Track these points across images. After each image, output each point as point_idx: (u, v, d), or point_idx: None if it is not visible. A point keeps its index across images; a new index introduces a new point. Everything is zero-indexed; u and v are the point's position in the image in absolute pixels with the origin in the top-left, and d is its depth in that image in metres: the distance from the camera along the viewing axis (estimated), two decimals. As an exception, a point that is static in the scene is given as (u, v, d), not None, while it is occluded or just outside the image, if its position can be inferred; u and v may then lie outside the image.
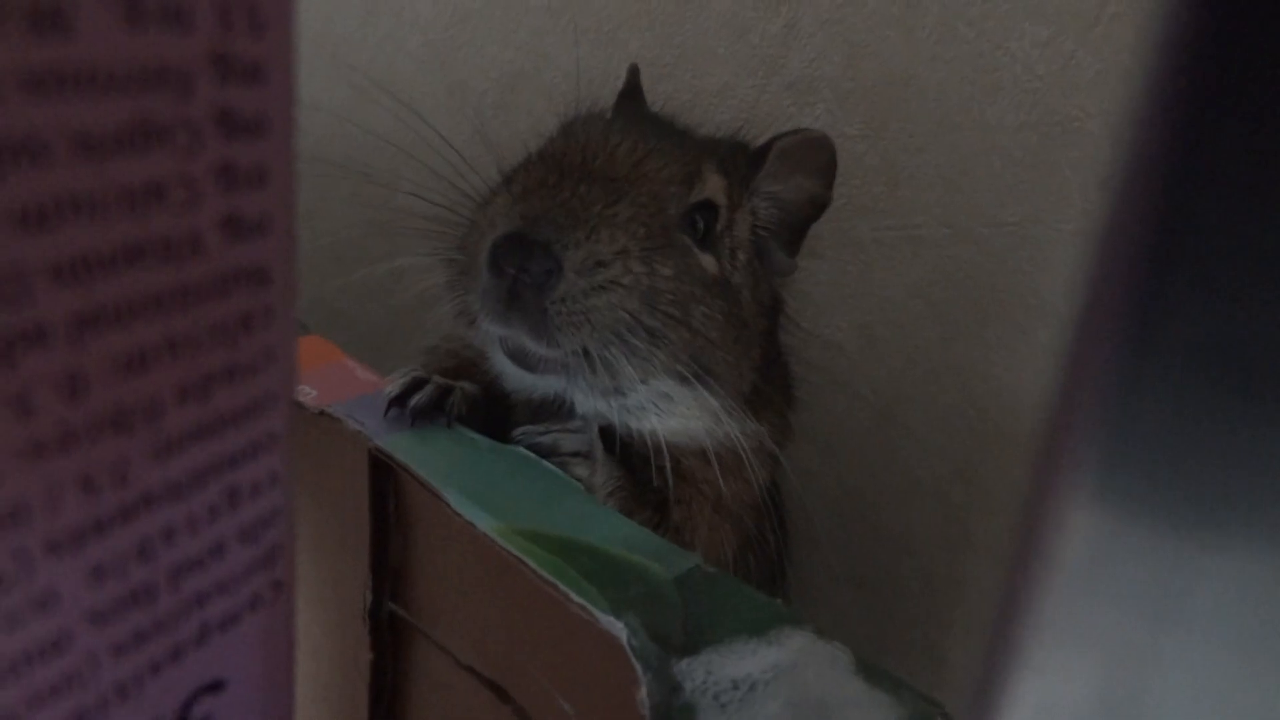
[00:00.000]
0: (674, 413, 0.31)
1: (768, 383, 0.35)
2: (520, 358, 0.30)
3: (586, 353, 0.28)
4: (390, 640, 0.32)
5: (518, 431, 0.31)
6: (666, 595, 0.24)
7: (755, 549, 0.35)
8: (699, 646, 0.22)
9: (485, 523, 0.26)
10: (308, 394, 0.30)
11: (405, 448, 0.28)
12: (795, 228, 0.36)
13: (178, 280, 0.10)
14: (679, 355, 0.30)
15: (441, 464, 0.28)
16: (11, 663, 0.10)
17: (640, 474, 0.32)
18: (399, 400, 0.29)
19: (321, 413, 0.29)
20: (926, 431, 0.47)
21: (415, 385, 0.29)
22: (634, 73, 0.40)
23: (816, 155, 0.34)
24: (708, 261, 0.32)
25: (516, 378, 0.31)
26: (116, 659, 0.11)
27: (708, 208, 0.32)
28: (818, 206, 0.35)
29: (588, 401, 0.30)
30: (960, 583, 0.48)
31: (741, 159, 0.34)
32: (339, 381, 0.31)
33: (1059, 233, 0.41)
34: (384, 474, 0.29)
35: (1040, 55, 0.40)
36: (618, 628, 0.22)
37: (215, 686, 0.13)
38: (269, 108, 0.11)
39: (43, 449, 0.10)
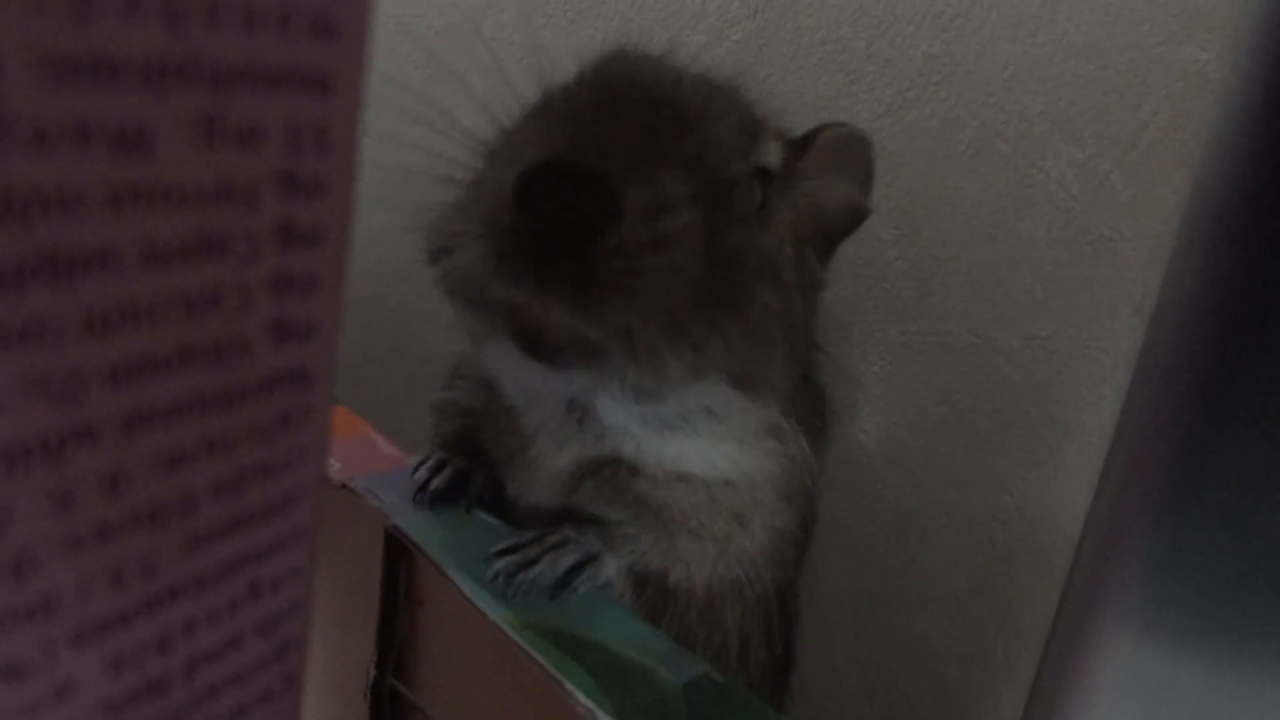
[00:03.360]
0: (711, 432, 0.26)
1: (802, 407, 0.29)
2: (536, 343, 0.23)
3: (629, 333, 0.22)
4: (390, 716, 0.32)
5: (498, 564, 0.26)
6: (672, 705, 0.23)
7: (764, 627, 0.32)
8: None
9: (496, 612, 0.26)
10: (331, 465, 0.31)
11: (421, 528, 0.28)
12: (829, 235, 0.31)
13: (224, 382, 0.11)
14: (737, 351, 0.24)
15: (456, 548, 0.28)
16: (24, 754, 0.10)
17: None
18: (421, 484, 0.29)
19: (343, 485, 0.30)
20: (946, 540, 0.46)
21: (437, 468, 0.29)
22: None
23: (860, 156, 0.30)
24: (765, 242, 0.26)
25: (524, 378, 0.26)
26: (125, 751, 0.11)
27: (765, 178, 0.27)
28: (854, 216, 0.30)
29: (613, 410, 0.25)
30: (974, 697, 0.47)
31: (789, 144, 0.29)
32: (362, 455, 0.32)
33: (1088, 349, 0.41)
34: (397, 550, 0.29)
35: (1076, 175, 0.41)
36: (621, 733, 0.21)
37: (217, 778, 0.13)
38: (327, 221, 0.12)
39: (79, 542, 0.10)
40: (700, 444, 0.27)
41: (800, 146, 0.29)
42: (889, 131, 0.45)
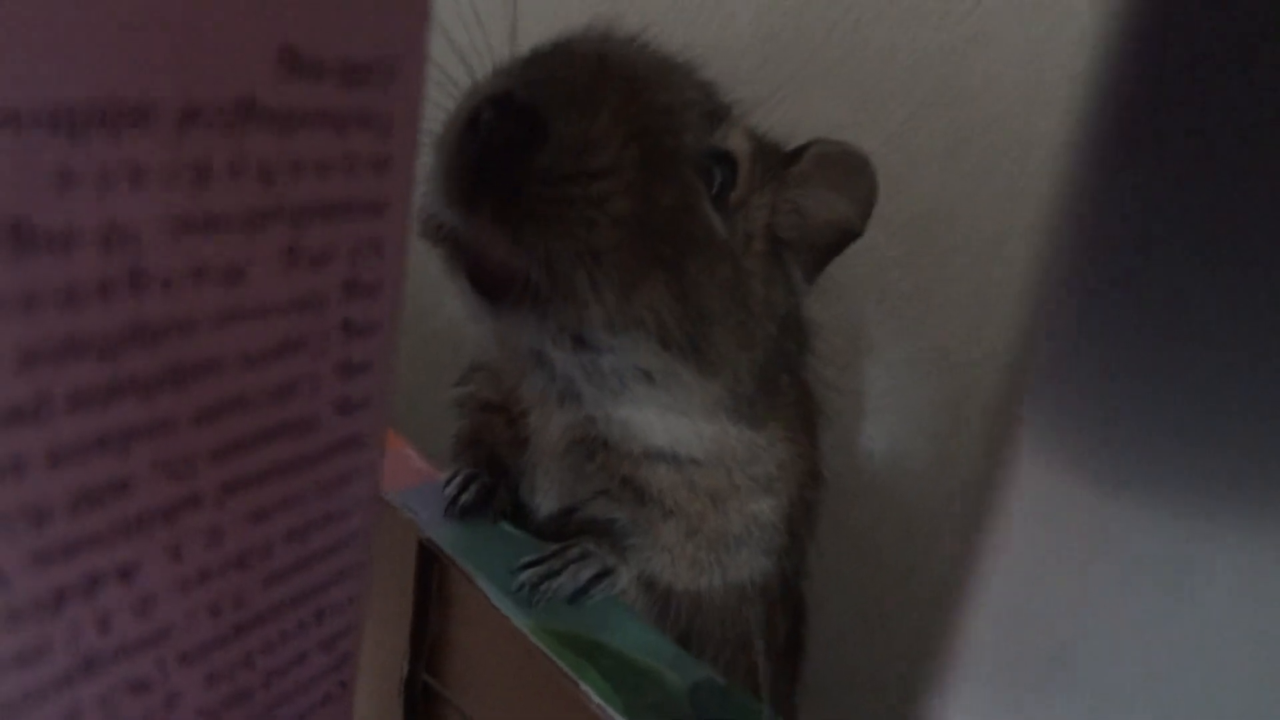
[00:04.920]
0: (655, 400, 0.27)
1: (778, 397, 0.30)
2: (482, 275, 0.25)
3: (552, 265, 0.23)
4: (423, 709, 0.35)
5: (523, 575, 0.28)
6: (679, 704, 0.26)
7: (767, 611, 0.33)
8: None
9: (519, 618, 0.28)
10: (368, 478, 0.33)
11: (452, 539, 0.31)
12: (815, 249, 0.31)
13: (298, 452, 0.13)
14: (664, 304, 0.25)
15: (483, 557, 0.30)
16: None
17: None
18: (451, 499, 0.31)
19: (379, 499, 0.32)
20: (953, 543, 0.48)
21: (465, 484, 0.32)
22: None
23: (857, 176, 0.30)
24: (716, 221, 0.27)
25: (481, 322, 0.27)
26: (218, 749, 0.14)
27: (728, 163, 0.28)
28: (844, 233, 0.31)
29: (560, 360, 0.26)
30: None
31: (772, 150, 0.30)
32: (397, 469, 0.34)
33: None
34: (429, 557, 0.32)
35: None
36: (631, 731, 0.24)
37: (284, 769, 0.16)
38: (381, 313, 0.14)
39: (187, 584, 0.12)
40: (648, 413, 0.28)
41: (794, 155, 0.30)
42: (897, 154, 0.47)
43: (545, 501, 0.32)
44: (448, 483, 0.32)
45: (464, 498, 0.32)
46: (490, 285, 0.25)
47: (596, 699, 0.25)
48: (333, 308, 0.13)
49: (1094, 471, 0.08)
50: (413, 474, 0.34)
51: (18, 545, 0.10)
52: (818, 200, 0.30)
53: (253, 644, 0.14)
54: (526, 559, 0.28)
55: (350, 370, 0.14)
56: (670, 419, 0.28)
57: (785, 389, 0.32)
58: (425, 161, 0.25)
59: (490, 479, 0.33)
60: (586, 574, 0.29)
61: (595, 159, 0.23)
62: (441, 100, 0.26)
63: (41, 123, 0.09)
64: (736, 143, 0.28)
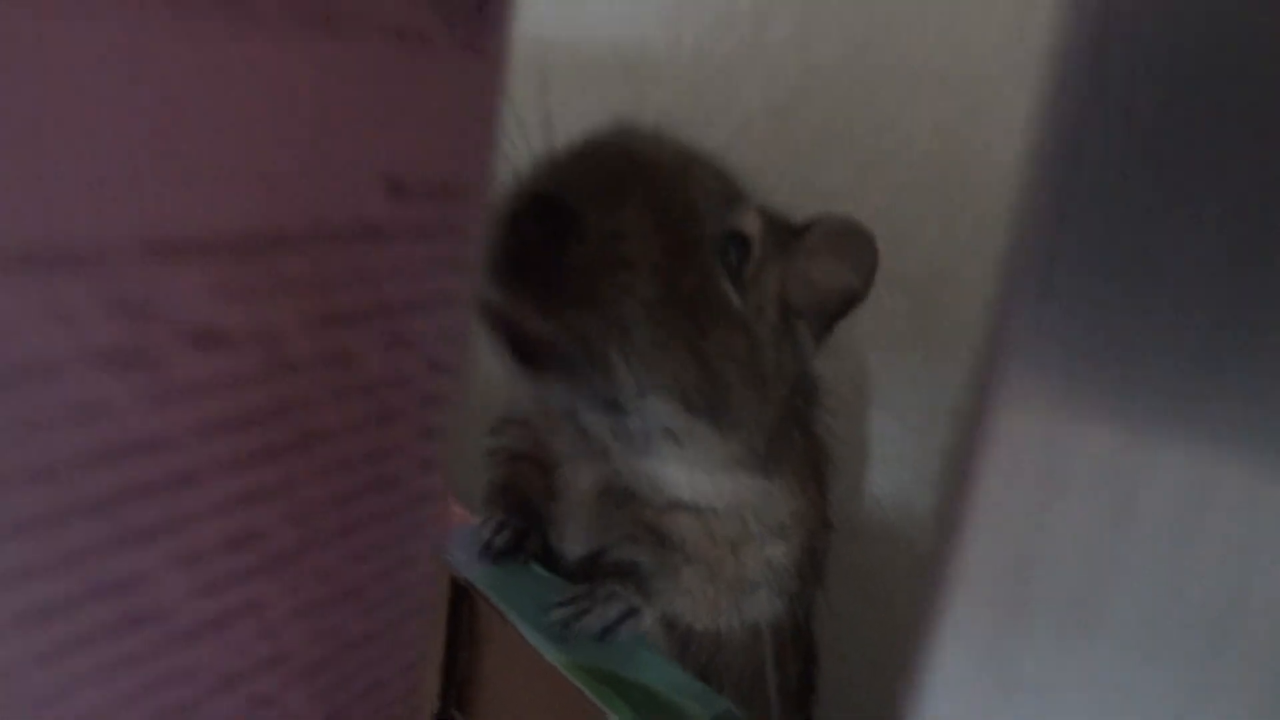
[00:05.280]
0: (678, 456, 0.30)
1: (789, 450, 0.33)
2: (521, 346, 0.28)
3: (588, 337, 0.26)
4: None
5: (555, 614, 0.31)
6: (700, 734, 0.28)
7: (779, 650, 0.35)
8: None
9: (550, 654, 0.30)
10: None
11: (486, 580, 0.33)
12: (823, 314, 0.34)
13: (388, 504, 0.16)
14: (686, 373, 0.27)
15: (516, 597, 0.33)
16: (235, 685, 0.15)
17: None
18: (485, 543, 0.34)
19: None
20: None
21: (498, 528, 0.34)
22: None
23: (860, 249, 0.33)
24: (733, 296, 0.30)
25: (522, 389, 0.30)
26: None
27: (742, 243, 0.31)
28: (849, 299, 0.34)
29: (592, 421, 0.29)
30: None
31: (782, 227, 0.33)
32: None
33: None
34: (460, 595, 0.34)
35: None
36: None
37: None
38: (454, 386, 0.17)
39: (301, 615, 0.15)
40: (670, 468, 0.31)
41: (802, 230, 0.33)
42: (896, 218, 0.50)
43: (574, 546, 0.35)
44: (482, 527, 0.35)
45: (497, 541, 0.34)
46: (529, 354, 0.28)
47: (626, 730, 0.27)
48: (418, 384, 0.16)
49: (1055, 398, 0.10)
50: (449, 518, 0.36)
51: (183, 579, 0.13)
52: (824, 271, 0.33)
53: (349, 668, 0.16)
54: (562, 598, 0.31)
55: (429, 435, 0.16)
56: (691, 473, 0.31)
57: (796, 442, 0.34)
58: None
59: (522, 524, 0.35)
60: (613, 613, 0.31)
61: (623, 249, 0.26)
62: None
63: (220, 248, 0.12)
64: (749, 224, 0.31)
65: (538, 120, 0.30)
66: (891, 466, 0.52)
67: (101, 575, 0.12)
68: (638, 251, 0.26)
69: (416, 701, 0.19)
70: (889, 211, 0.50)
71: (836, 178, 0.51)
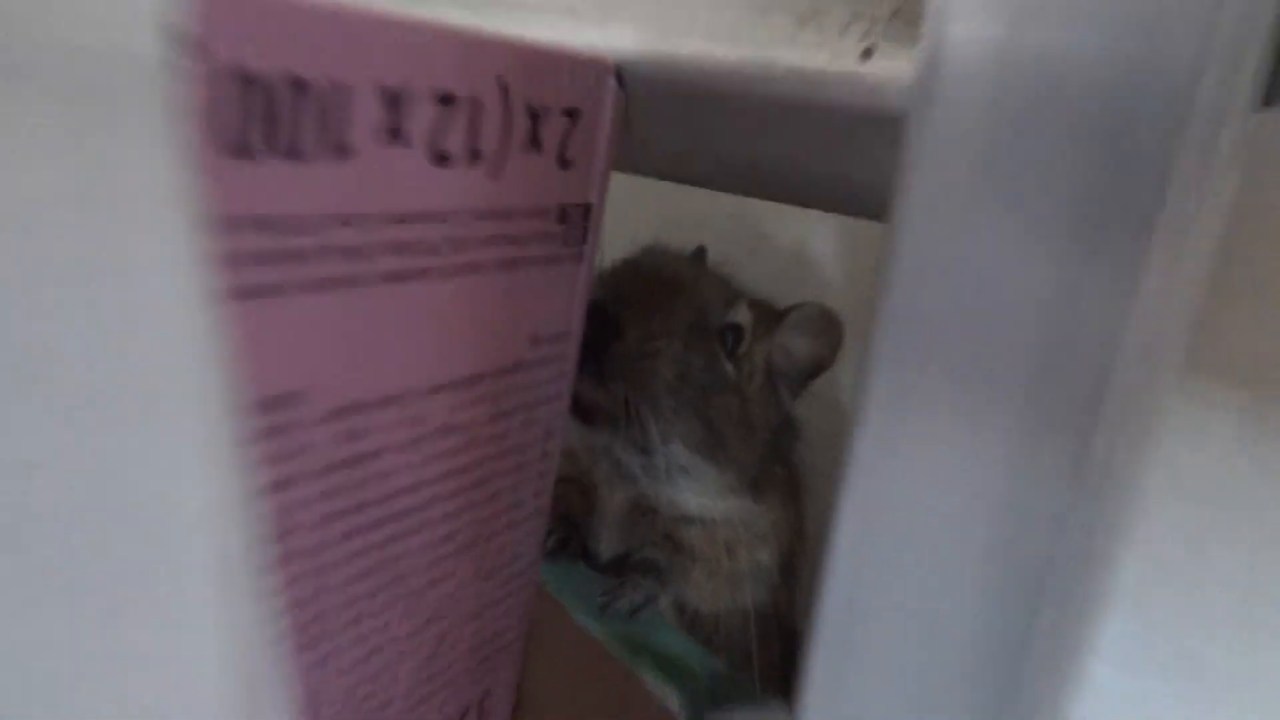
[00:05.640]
0: (688, 484, 0.40)
1: (772, 478, 0.43)
2: (579, 407, 0.38)
3: (627, 403, 0.37)
4: None
5: (601, 598, 0.41)
6: (704, 689, 0.39)
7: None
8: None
9: (593, 629, 0.41)
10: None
11: (541, 574, 0.44)
12: (799, 377, 0.43)
13: (517, 522, 0.27)
14: (695, 428, 0.38)
15: (564, 586, 0.43)
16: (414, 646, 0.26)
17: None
18: (540, 545, 0.44)
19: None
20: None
21: (548, 534, 0.45)
22: (702, 249, 0.50)
23: (828, 328, 0.42)
24: (729, 370, 0.40)
25: (577, 436, 0.40)
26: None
27: (737, 330, 0.41)
28: (820, 367, 0.43)
29: (626, 460, 0.39)
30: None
31: (769, 312, 0.42)
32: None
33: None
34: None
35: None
36: (671, 700, 0.37)
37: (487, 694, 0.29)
38: (558, 446, 0.28)
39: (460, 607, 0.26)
40: (683, 493, 0.41)
41: (784, 313, 0.42)
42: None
43: (607, 548, 0.45)
44: (539, 537, 0.46)
45: (549, 543, 0.45)
46: (584, 412, 0.39)
47: (652, 682, 0.38)
48: (536, 447, 0.27)
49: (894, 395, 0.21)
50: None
51: (423, 559, 0.23)
52: (801, 346, 0.43)
53: (473, 663, 0.27)
54: (605, 589, 0.42)
55: (542, 476, 0.27)
56: (698, 496, 0.41)
57: (778, 472, 0.44)
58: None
59: (566, 532, 0.46)
60: (639, 598, 0.41)
61: (652, 345, 0.38)
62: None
63: (456, 384, 0.23)
64: (742, 316, 0.41)
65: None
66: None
67: (381, 552, 0.22)
68: (662, 346, 0.38)
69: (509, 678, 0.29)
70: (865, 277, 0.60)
71: (827, 245, 0.61)
